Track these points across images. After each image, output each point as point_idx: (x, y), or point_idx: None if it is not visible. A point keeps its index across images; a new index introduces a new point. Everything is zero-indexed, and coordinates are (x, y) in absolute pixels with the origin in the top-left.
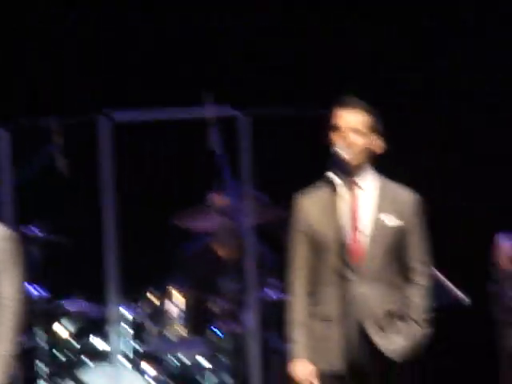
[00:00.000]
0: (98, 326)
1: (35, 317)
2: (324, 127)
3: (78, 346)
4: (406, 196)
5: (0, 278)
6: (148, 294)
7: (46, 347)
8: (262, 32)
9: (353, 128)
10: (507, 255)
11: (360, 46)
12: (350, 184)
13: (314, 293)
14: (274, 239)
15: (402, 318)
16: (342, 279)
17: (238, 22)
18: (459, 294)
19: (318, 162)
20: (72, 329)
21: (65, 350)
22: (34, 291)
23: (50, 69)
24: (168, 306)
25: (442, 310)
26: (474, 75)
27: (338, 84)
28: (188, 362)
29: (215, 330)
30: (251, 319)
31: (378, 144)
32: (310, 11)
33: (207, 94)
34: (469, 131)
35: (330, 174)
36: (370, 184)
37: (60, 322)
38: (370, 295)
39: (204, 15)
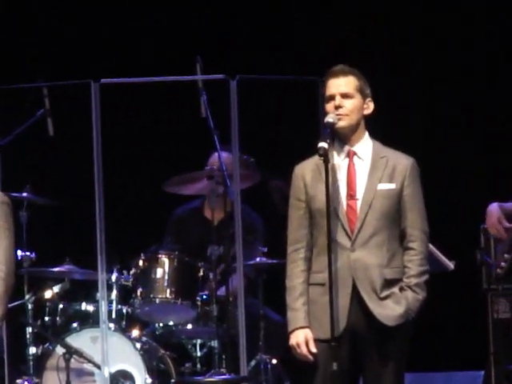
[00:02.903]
0: (86, 289)
1: (23, 280)
2: (313, 93)
3: (66, 310)
4: (400, 161)
5: None
6: (137, 259)
7: (34, 310)
8: None
9: (343, 93)
10: (497, 218)
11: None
12: (347, 152)
13: (311, 259)
14: (263, 204)
15: (398, 284)
16: (339, 246)
17: None
18: (445, 260)
19: (308, 127)
20: (60, 292)
21: (52, 314)
22: (23, 254)
23: (41, 34)
24: (156, 270)
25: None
26: None
27: (327, 50)
28: (174, 326)
29: (202, 294)
30: (238, 284)
31: (369, 106)
32: None
33: (197, 59)
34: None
35: (323, 144)
36: (365, 150)
37: (48, 286)
38: (367, 261)
39: None
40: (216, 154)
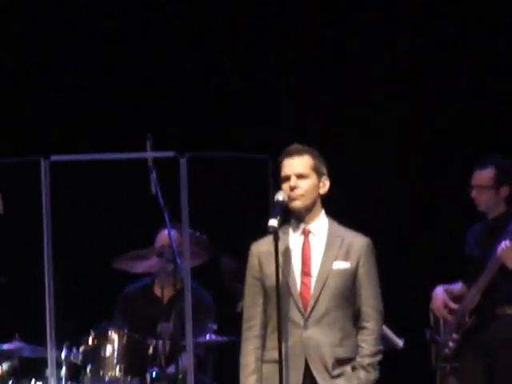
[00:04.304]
0: (36, 366)
1: None
2: (263, 170)
3: None
4: (356, 240)
5: None
6: (86, 336)
7: None
8: (202, 73)
9: (298, 173)
10: (442, 302)
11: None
12: (302, 230)
13: (265, 336)
14: (213, 281)
15: (350, 363)
16: (292, 323)
17: (179, 63)
18: (395, 338)
19: (258, 204)
20: (9, 369)
21: None
22: None
23: None
24: (105, 347)
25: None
26: None
27: (277, 127)
28: None
29: (152, 371)
30: (188, 362)
31: (325, 185)
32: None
33: (148, 137)
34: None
35: (272, 222)
36: (320, 228)
37: None
38: (319, 340)
39: (145, 56)
40: (164, 231)
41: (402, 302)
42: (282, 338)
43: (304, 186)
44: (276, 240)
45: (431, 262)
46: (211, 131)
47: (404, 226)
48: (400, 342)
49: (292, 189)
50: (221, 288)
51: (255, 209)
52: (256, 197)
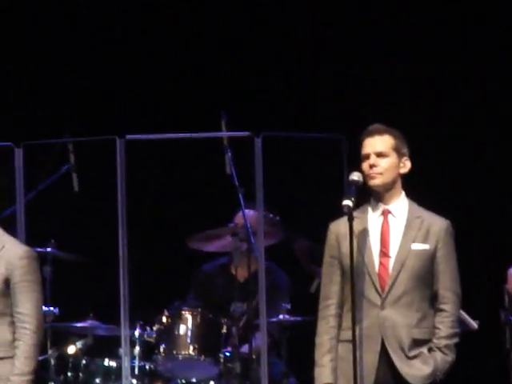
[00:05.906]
0: (109, 345)
1: (46, 335)
2: (337, 150)
3: (89, 365)
4: (436, 222)
5: (19, 296)
6: (160, 315)
7: (57, 366)
8: (278, 53)
9: (378, 152)
10: None
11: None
12: (382, 210)
13: (341, 315)
14: (288, 261)
15: (427, 344)
16: (369, 303)
17: (254, 46)
18: (469, 320)
19: (332, 184)
20: (83, 348)
21: (75, 369)
22: (46, 309)
23: (68, 89)
24: (179, 326)
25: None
26: None
27: (352, 108)
28: (197, 383)
29: (225, 351)
30: (261, 342)
31: (405, 165)
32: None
33: (222, 116)
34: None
35: (347, 203)
36: (400, 209)
37: (71, 341)
38: (396, 320)
39: (220, 36)
40: (241, 212)
41: (477, 282)
42: (356, 317)
43: (383, 164)
44: (350, 220)
45: (505, 243)
46: (287, 111)
47: (478, 207)
48: (475, 324)
49: (371, 167)
50: (294, 268)
51: (330, 189)
52: (331, 177)
